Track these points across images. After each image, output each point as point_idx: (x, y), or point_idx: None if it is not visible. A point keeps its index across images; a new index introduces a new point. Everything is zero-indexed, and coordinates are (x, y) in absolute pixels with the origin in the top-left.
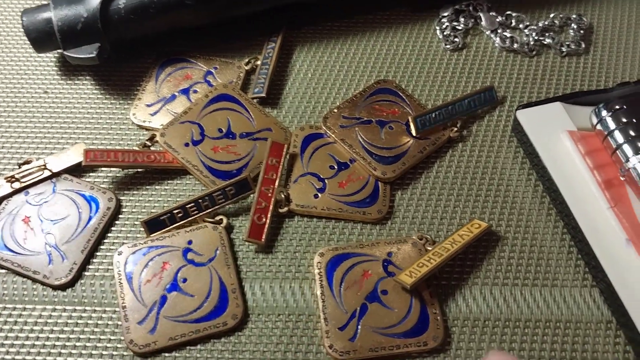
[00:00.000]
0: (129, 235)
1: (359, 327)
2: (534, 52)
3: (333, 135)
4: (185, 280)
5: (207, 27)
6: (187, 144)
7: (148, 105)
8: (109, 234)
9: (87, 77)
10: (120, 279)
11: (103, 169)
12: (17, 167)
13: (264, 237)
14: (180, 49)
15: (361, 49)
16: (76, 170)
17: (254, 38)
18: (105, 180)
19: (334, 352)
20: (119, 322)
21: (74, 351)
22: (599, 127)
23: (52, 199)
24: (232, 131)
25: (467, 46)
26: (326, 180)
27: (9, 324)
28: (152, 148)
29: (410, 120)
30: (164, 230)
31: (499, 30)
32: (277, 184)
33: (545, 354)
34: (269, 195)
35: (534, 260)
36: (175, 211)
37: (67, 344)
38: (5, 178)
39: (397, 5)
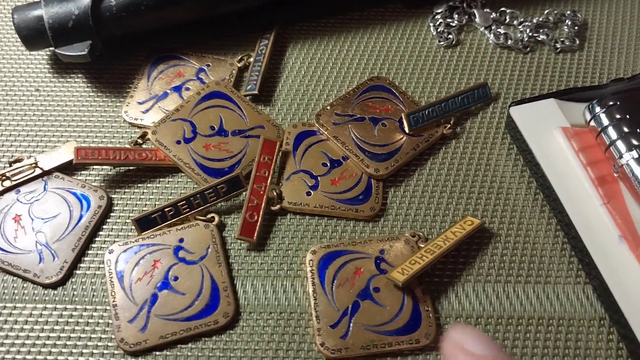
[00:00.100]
0: (120, 233)
1: (351, 324)
2: (528, 49)
3: (326, 133)
4: (176, 278)
5: (200, 24)
6: (179, 142)
7: (140, 103)
8: (100, 232)
9: (79, 75)
10: (111, 277)
11: (94, 167)
12: (8, 165)
13: (255, 235)
14: (172, 46)
15: (355, 45)
16: (67, 168)
17: (247, 35)
18: (96, 178)
19: (325, 350)
20: (110, 321)
21: (64, 350)
22: (592, 123)
23: (43, 197)
24: (225, 129)
25: (461, 43)
26: (319, 178)
27: None
28: (143, 146)
29: (403, 117)
30: (155, 228)
31: (493, 27)
32: (269, 181)
33: (538, 351)
34: (261, 192)
35: (527, 257)
36: (166, 209)
37: (58, 342)
38: None
39: (391, 2)
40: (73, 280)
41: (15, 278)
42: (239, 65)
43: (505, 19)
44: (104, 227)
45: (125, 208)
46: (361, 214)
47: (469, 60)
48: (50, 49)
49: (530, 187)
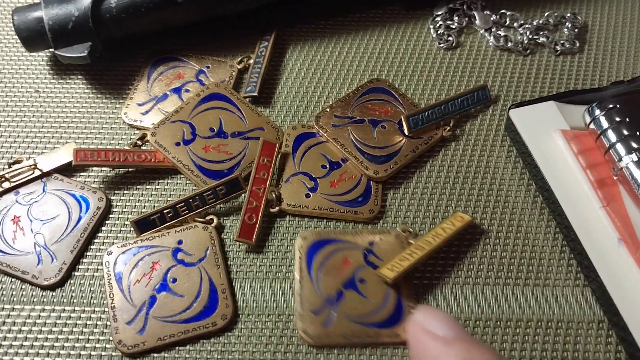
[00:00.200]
0: (119, 235)
1: (334, 313)
2: (528, 51)
3: (325, 135)
4: (174, 280)
5: (199, 26)
6: (178, 144)
7: (139, 105)
8: (99, 234)
9: (79, 76)
10: (110, 279)
11: (93, 168)
12: (7, 166)
13: (254, 237)
14: (172, 48)
15: (354, 47)
16: (66, 170)
17: (247, 37)
18: (95, 179)
19: (305, 335)
20: (108, 323)
21: (62, 351)
22: (592, 126)
23: (42, 198)
24: (224, 130)
25: (461, 45)
26: (318, 180)
27: None
28: (143, 147)
29: (402, 119)
30: (154, 230)
31: (493, 29)
32: (268, 183)
33: (537, 354)
34: (260, 194)
35: (526, 259)
36: (165, 211)
37: (56, 344)
38: None
39: (391, 4)
40: (71, 281)
41: (13, 279)
42: (238, 67)
43: (506, 21)
44: (103, 228)
45: (124, 210)
46: (360, 216)
47: (469, 62)
48: (50, 50)
49: (530, 190)
